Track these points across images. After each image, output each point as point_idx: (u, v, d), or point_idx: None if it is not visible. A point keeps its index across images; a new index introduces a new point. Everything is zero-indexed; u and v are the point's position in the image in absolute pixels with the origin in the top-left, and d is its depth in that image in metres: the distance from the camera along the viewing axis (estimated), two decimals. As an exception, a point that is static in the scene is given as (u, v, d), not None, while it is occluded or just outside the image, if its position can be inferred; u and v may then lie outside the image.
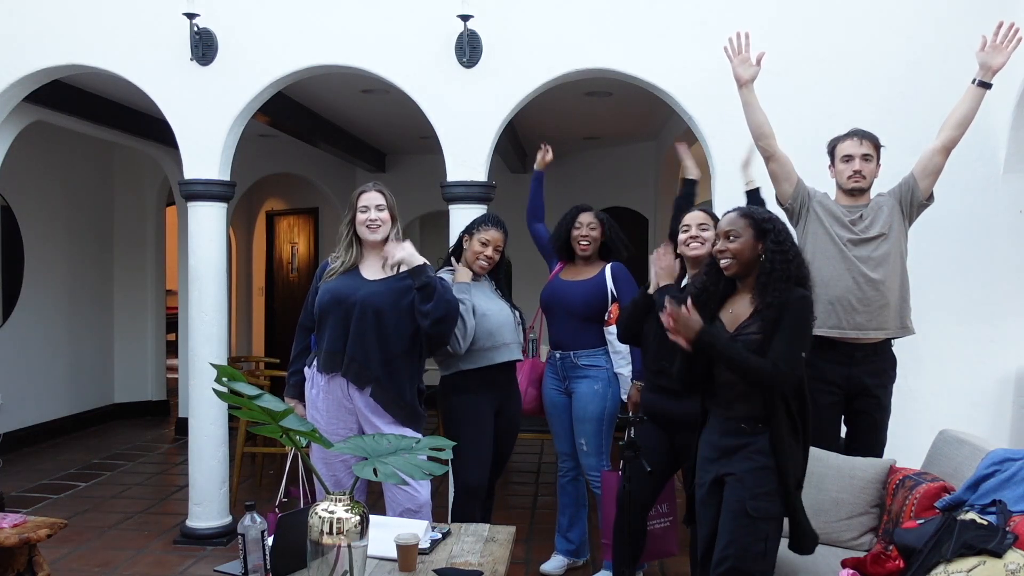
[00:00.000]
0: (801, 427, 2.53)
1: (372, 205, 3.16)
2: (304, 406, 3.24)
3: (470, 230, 3.55)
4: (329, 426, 3.15)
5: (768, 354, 2.46)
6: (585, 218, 3.84)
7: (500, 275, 3.66)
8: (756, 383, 2.48)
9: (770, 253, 2.53)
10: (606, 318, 3.80)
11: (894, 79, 3.92)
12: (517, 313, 3.60)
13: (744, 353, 2.48)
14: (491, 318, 3.43)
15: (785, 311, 2.49)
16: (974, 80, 3.27)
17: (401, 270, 3.12)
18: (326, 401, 3.18)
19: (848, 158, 3.29)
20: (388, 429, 3.09)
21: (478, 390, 3.45)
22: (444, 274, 3.52)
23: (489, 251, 3.49)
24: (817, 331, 3.18)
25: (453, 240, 4.19)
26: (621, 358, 3.80)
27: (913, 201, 3.33)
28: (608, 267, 3.86)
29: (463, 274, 3.48)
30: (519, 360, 3.60)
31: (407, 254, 3.09)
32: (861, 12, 3.96)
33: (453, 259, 3.64)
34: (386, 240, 3.20)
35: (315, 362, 3.20)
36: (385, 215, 3.18)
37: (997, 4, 3.84)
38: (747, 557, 2.51)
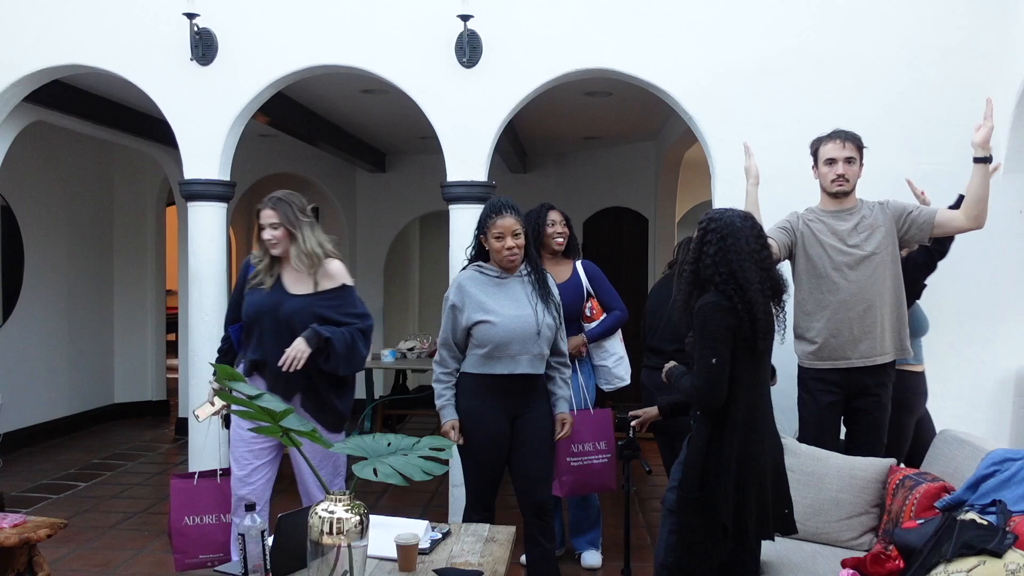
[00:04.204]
0: (730, 426, 2.51)
1: (267, 224, 3.19)
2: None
3: (481, 228, 3.22)
4: (241, 422, 3.22)
5: None
6: (556, 215, 3.87)
7: (537, 267, 3.29)
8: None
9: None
10: (588, 314, 3.89)
11: (893, 79, 3.92)
12: (550, 318, 3.22)
13: (683, 384, 2.63)
14: (499, 327, 3.11)
15: (693, 324, 2.58)
16: (974, 158, 3.22)
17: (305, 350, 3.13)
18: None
19: (831, 161, 3.28)
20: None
21: (487, 396, 3.19)
22: (470, 271, 3.28)
23: (508, 241, 3.14)
24: (823, 364, 3.28)
25: (453, 241, 4.20)
26: (603, 351, 3.92)
27: (912, 238, 3.34)
28: (579, 265, 3.90)
29: None
30: (527, 374, 3.19)
31: (296, 355, 3.11)
32: (861, 12, 3.96)
33: (482, 263, 3.30)
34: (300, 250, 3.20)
35: (241, 367, 3.28)
36: (280, 232, 3.19)
37: (997, 4, 3.85)
38: (663, 547, 2.65)
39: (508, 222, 3.13)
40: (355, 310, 3.28)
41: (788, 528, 2.66)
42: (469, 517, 3.31)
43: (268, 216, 3.20)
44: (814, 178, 3.39)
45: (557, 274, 3.80)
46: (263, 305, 3.22)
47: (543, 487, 3.27)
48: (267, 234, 3.19)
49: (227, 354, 3.43)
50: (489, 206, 3.22)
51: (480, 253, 3.27)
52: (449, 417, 3.24)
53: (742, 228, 2.53)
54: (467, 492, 3.38)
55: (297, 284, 3.24)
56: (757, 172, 3.45)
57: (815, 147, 3.37)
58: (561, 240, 3.85)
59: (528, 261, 3.26)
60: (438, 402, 3.28)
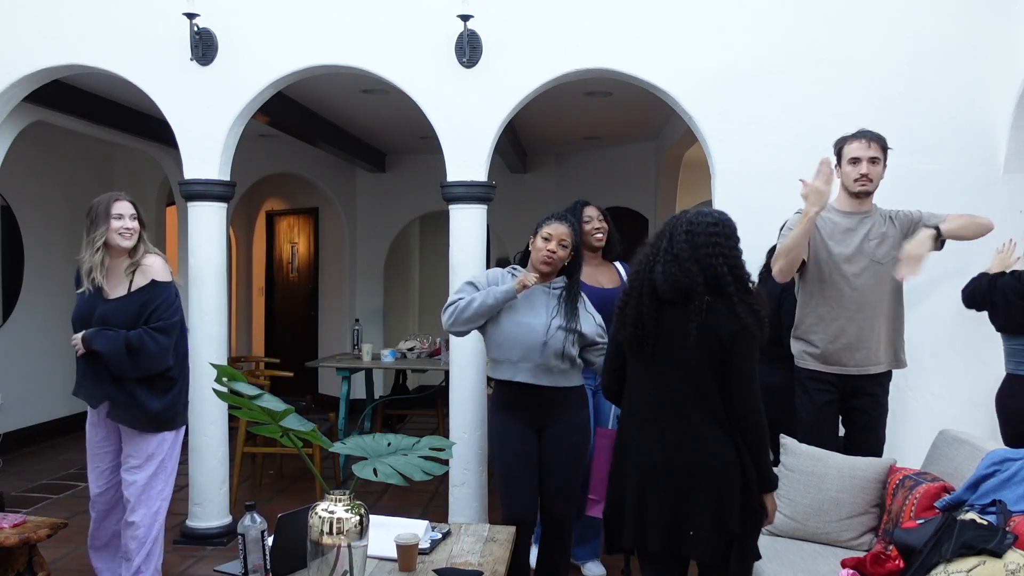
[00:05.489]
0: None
1: (127, 214, 3.25)
2: None
3: (536, 230, 3.26)
4: (94, 433, 3.39)
5: None
6: (592, 211, 3.79)
7: (574, 282, 3.25)
8: None
9: None
10: None
11: (893, 79, 3.92)
12: (564, 335, 3.12)
13: None
14: (504, 329, 3.15)
15: None
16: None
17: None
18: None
19: (855, 160, 3.26)
20: (136, 437, 3.26)
21: (509, 410, 3.20)
22: (504, 270, 3.32)
23: (552, 245, 3.16)
24: (819, 367, 3.28)
25: (453, 241, 4.20)
26: None
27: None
28: (620, 267, 3.86)
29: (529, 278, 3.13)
30: (528, 384, 3.14)
31: (75, 344, 3.25)
32: (861, 12, 3.96)
33: (516, 266, 3.36)
34: (134, 250, 3.29)
35: None
36: (136, 225, 3.28)
37: (997, 5, 3.85)
38: None
39: (562, 229, 3.16)
40: (158, 308, 3.26)
41: (691, 550, 2.39)
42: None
43: (128, 208, 3.27)
44: (836, 176, 3.36)
45: (603, 278, 3.72)
46: (81, 312, 3.30)
47: (563, 504, 3.24)
48: (128, 223, 3.24)
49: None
50: (552, 214, 3.25)
51: (524, 257, 3.30)
52: (508, 286, 3.11)
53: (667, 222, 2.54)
54: (503, 513, 3.24)
55: (116, 288, 3.29)
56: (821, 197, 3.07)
57: (839, 146, 3.34)
58: (601, 236, 3.75)
59: (567, 275, 3.24)
60: (491, 293, 3.11)
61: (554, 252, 3.15)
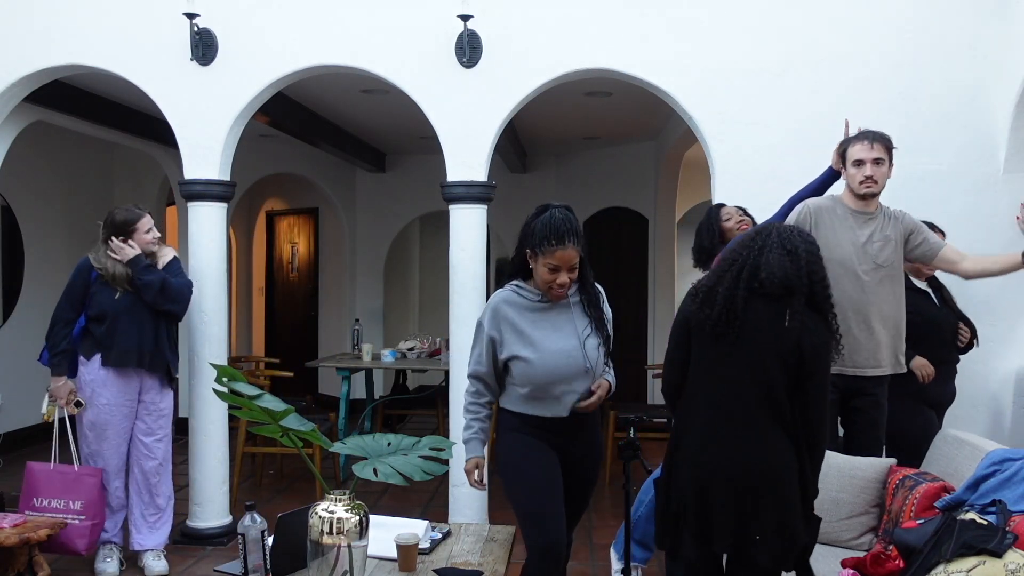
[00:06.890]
0: None
1: (151, 226, 3.92)
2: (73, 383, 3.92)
3: (532, 246, 2.64)
4: (115, 399, 3.89)
5: None
6: (730, 209, 3.72)
7: (589, 287, 2.77)
8: None
9: None
10: None
11: (893, 79, 3.92)
12: (600, 349, 2.74)
13: None
14: (538, 366, 2.66)
15: None
16: None
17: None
18: (117, 380, 3.88)
19: (859, 163, 3.24)
20: (162, 395, 4.08)
21: (531, 430, 2.74)
22: (507, 292, 2.75)
23: (562, 277, 2.63)
24: None
25: (453, 241, 4.20)
26: None
27: (917, 259, 3.36)
28: None
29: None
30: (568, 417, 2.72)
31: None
32: (861, 12, 3.96)
33: (520, 284, 2.77)
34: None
35: (96, 356, 3.85)
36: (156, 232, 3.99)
37: (997, 4, 3.86)
38: None
39: (569, 254, 2.60)
40: (170, 270, 4.02)
41: (758, 554, 2.32)
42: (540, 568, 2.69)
43: (150, 221, 3.93)
44: (843, 179, 3.36)
45: None
46: (117, 303, 3.84)
47: (572, 528, 2.92)
48: (156, 233, 3.93)
49: (67, 352, 3.89)
50: (551, 229, 2.60)
51: (521, 267, 2.75)
52: (474, 453, 2.78)
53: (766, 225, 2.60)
54: (530, 547, 2.69)
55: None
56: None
57: (843, 148, 3.33)
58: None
59: (580, 282, 2.74)
60: (464, 434, 2.82)
61: (565, 283, 2.65)
